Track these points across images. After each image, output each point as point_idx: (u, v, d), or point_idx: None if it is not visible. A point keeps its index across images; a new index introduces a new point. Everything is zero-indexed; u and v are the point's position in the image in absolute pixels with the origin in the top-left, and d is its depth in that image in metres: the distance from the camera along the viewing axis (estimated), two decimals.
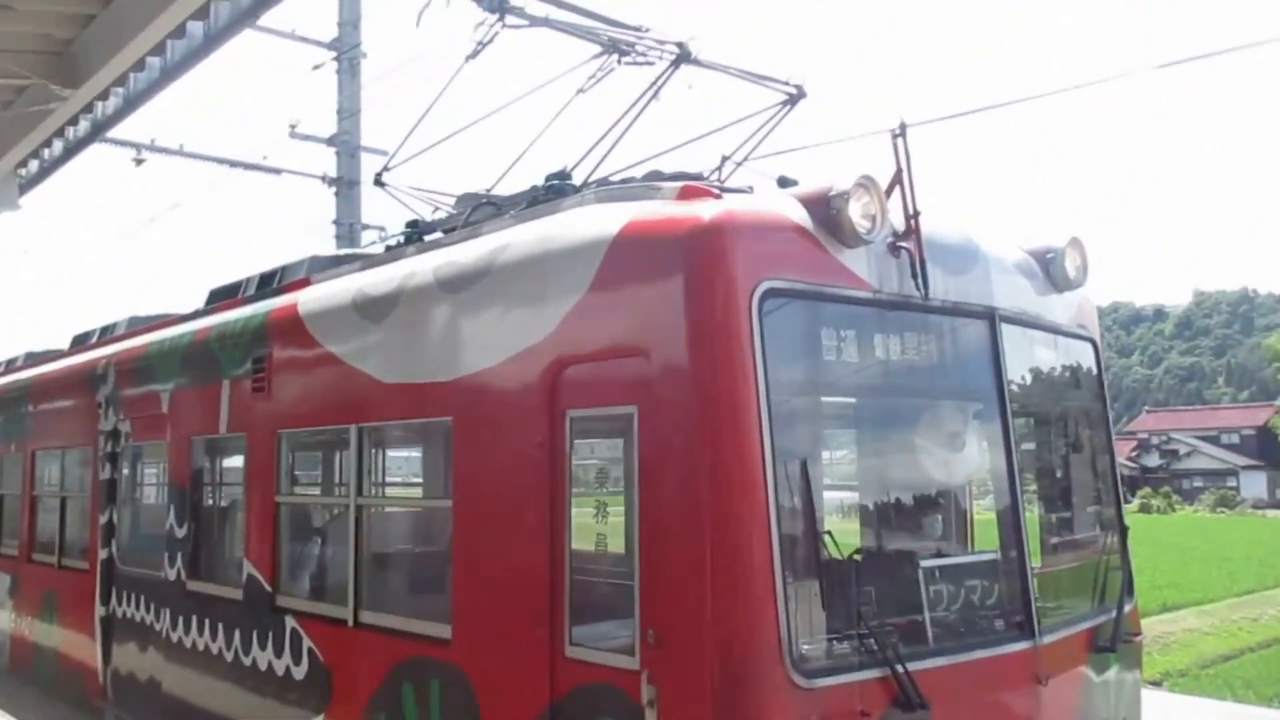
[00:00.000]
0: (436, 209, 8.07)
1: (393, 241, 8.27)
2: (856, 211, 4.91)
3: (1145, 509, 59.60)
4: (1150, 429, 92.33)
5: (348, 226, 19.31)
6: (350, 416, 6.92)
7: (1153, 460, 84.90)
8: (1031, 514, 5.79)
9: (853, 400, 5.55)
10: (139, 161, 19.85)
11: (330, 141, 19.37)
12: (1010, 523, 5.46)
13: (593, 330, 5.14)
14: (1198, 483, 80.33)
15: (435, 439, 7.75)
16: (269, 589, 7.57)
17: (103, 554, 10.41)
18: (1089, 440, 6.71)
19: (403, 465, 10.46)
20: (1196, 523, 51.85)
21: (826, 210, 4.91)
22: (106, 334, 11.89)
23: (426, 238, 7.53)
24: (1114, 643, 5.90)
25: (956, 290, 5.41)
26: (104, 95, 14.00)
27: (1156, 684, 13.97)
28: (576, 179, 6.62)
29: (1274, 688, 14.42)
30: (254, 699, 7.69)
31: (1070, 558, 6.28)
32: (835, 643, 4.71)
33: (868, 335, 5.10)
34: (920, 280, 5.16)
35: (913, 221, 5.16)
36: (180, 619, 8.79)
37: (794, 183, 5.89)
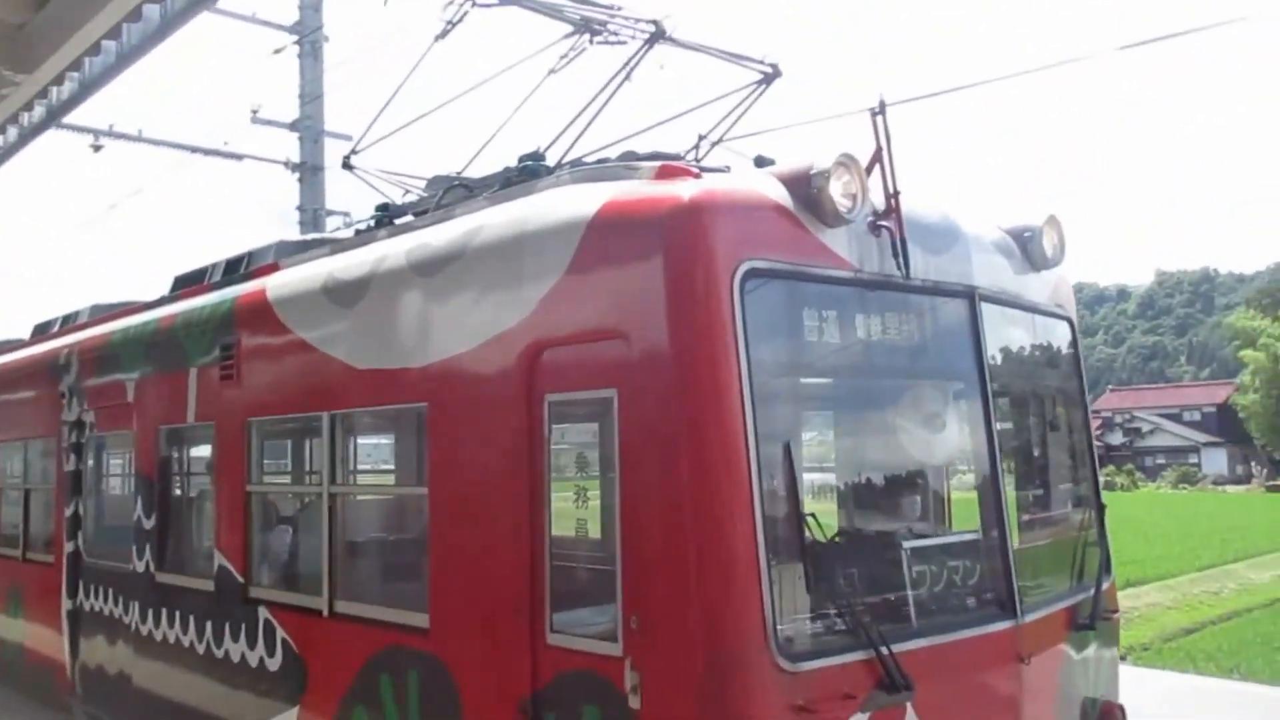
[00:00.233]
0: (407, 192, 7.95)
1: (361, 226, 8.14)
2: (837, 190, 4.85)
3: (1109, 486, 60.39)
4: (1114, 407, 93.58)
5: (311, 213, 19.08)
6: (322, 403, 6.81)
7: (1116, 438, 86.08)
8: (1010, 493, 5.78)
9: (834, 381, 5.51)
10: (97, 148, 19.54)
11: (293, 126, 19.10)
12: (991, 502, 5.45)
13: (571, 313, 5.06)
14: (1160, 460, 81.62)
15: (410, 426, 7.65)
16: (241, 580, 7.45)
17: (69, 547, 10.22)
18: (1066, 419, 6.73)
19: (376, 453, 10.34)
20: (1159, 499, 52.66)
21: (807, 189, 4.85)
22: (69, 323, 11.65)
23: (397, 221, 7.41)
24: (1093, 620, 5.92)
25: (937, 269, 5.38)
26: (59, 80, 13.71)
27: (1120, 658, 14.17)
28: (549, 161, 6.53)
29: (1234, 660, 14.69)
30: (227, 691, 7.57)
31: (1049, 536, 6.30)
32: (820, 626, 4.68)
33: (849, 315, 5.05)
34: (901, 259, 5.12)
35: (893, 200, 5.12)
36: (150, 611, 8.65)
37: (771, 162, 5.82)
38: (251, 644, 7.28)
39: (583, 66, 7.12)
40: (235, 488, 7.59)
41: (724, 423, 4.46)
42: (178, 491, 9.12)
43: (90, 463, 10.27)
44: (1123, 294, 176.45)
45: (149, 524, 8.80)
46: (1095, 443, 6.90)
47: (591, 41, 6.86)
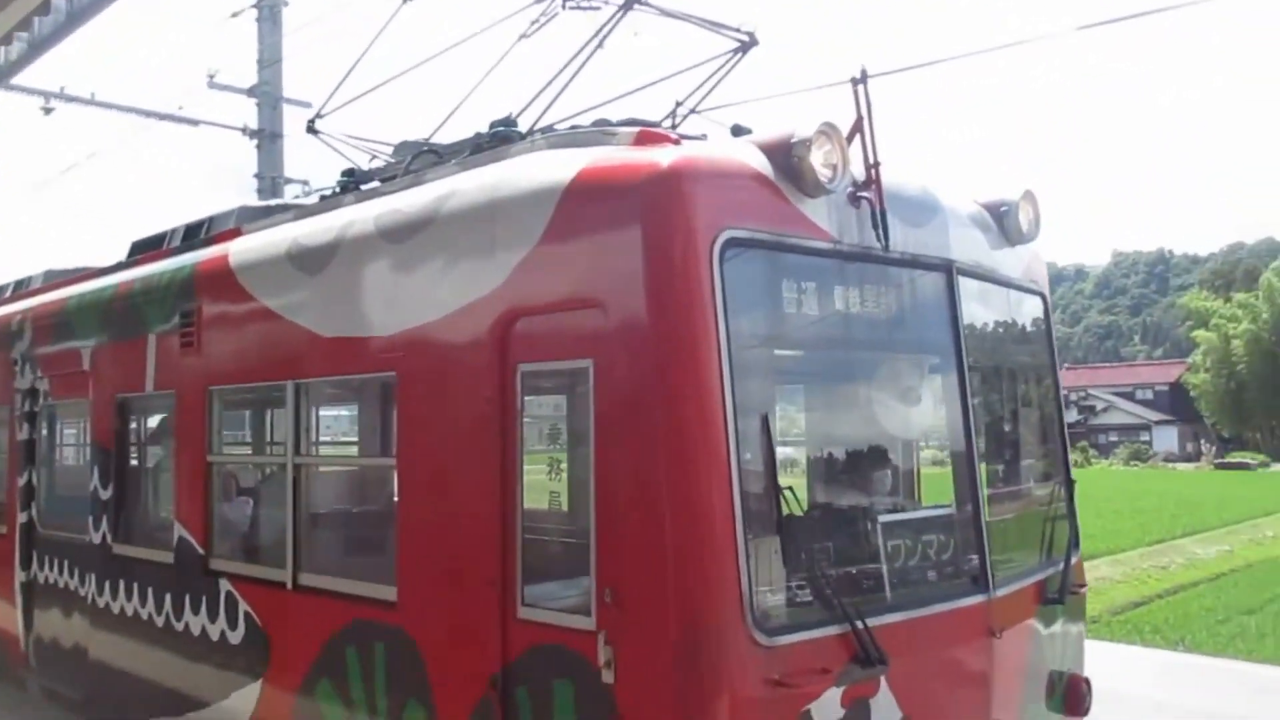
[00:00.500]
0: (373, 157, 7.77)
1: (327, 192, 7.95)
2: (818, 159, 4.78)
3: None
4: (1069, 385, 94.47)
5: (270, 180, 18.78)
6: (286, 372, 6.66)
7: (1071, 416, 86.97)
8: (982, 467, 5.77)
9: (812, 353, 5.46)
10: (48, 110, 19.13)
11: (251, 92, 18.75)
12: (965, 477, 5.45)
13: (545, 281, 4.95)
14: (1113, 437, 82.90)
15: (377, 395, 7.52)
16: (201, 552, 7.30)
17: (22, 517, 9.99)
18: (1038, 394, 6.74)
19: (342, 423, 10.18)
20: (1110, 476, 53.54)
21: (788, 158, 4.77)
22: (21, 288, 11.34)
23: (364, 187, 7.24)
24: (1062, 594, 5.95)
25: (915, 242, 5.33)
26: (7, 40, 13.31)
27: None
28: (521, 128, 6.39)
29: (1179, 632, 15.01)
30: (187, 665, 7.44)
31: (1020, 510, 6.32)
32: (796, 600, 4.64)
33: (828, 287, 4.99)
34: (881, 231, 5.06)
35: (874, 171, 5.05)
36: (106, 583, 8.47)
37: (748, 131, 5.74)
38: (213, 617, 7.14)
39: (554, 32, 6.98)
40: (196, 458, 7.42)
41: (702, 394, 4.39)
42: (136, 461, 8.94)
43: (44, 431, 10.03)
44: (1080, 274, 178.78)
45: (106, 494, 8.60)
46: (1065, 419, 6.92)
47: (564, 6, 6.72)
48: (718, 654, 4.29)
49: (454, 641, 5.30)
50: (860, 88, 5.10)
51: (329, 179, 7.91)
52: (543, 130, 6.10)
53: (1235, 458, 66.24)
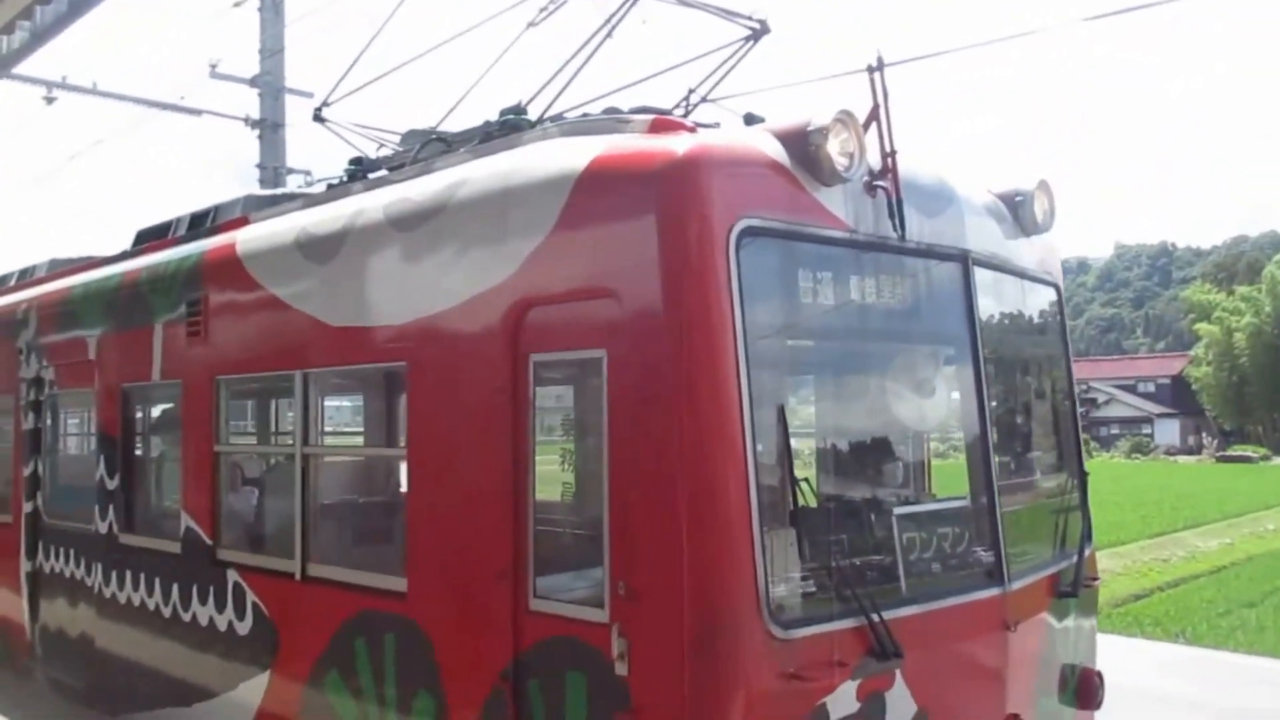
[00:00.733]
0: (381, 146, 7.71)
1: (334, 181, 7.90)
2: (835, 148, 4.72)
3: None
4: None
5: (272, 170, 18.72)
6: (295, 362, 6.61)
7: None
8: (997, 459, 5.73)
9: (827, 343, 5.41)
10: (50, 100, 19.08)
11: (253, 82, 18.68)
12: (981, 469, 5.40)
13: (558, 270, 4.90)
14: (1114, 430, 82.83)
15: (387, 385, 7.48)
16: (209, 542, 7.27)
17: (27, 507, 9.96)
18: (1051, 386, 6.69)
19: (344, 414, 10.15)
20: (1112, 468, 53.50)
21: (804, 146, 4.71)
22: (25, 277, 11.30)
23: (371, 176, 7.19)
24: (1075, 587, 5.91)
25: (931, 232, 5.28)
26: (9, 29, 13.25)
27: None
28: (530, 116, 6.33)
29: (1179, 624, 15.02)
30: (194, 656, 7.41)
31: (1033, 503, 6.27)
32: (812, 593, 4.60)
33: (844, 277, 4.94)
34: (897, 220, 5.01)
35: (890, 160, 5.00)
36: (113, 574, 8.45)
37: (761, 120, 5.68)
38: (220, 607, 7.11)
39: (562, 20, 6.92)
40: (203, 448, 7.38)
41: (718, 385, 4.34)
42: (142, 451, 8.91)
43: (50, 421, 10.00)
44: (1083, 266, 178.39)
45: (112, 484, 8.57)
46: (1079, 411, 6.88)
47: None
48: (733, 647, 4.26)
49: (465, 633, 5.26)
50: (877, 75, 5.04)
51: (330, 170, 7.88)
52: (553, 118, 6.05)
53: (1237, 451, 66.22)
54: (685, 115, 6.27)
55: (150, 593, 7.93)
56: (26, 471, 10.04)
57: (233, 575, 7.03)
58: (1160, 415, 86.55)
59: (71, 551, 9.16)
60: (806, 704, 4.39)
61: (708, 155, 4.54)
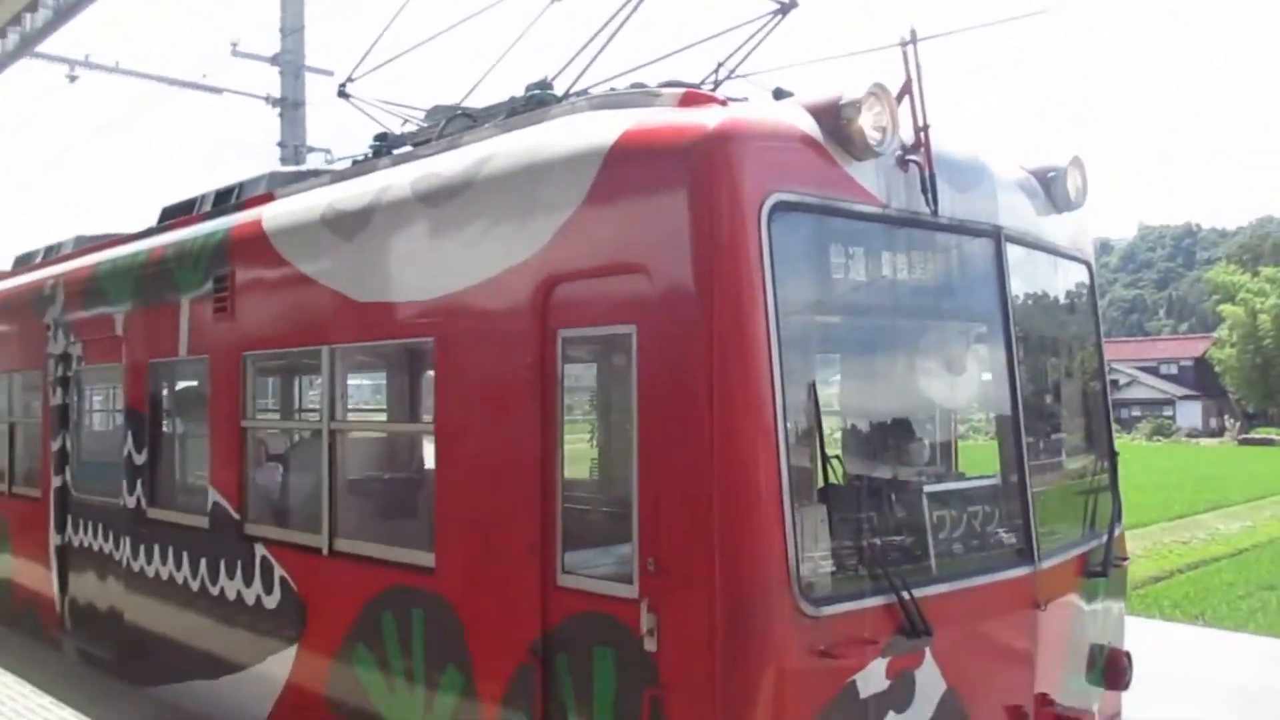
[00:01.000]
0: (405, 122, 7.70)
1: (359, 157, 7.89)
2: (868, 122, 4.66)
3: None
4: None
5: (292, 149, 18.77)
6: (321, 337, 6.62)
7: None
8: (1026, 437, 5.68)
9: (858, 320, 5.37)
10: (72, 78, 19.21)
11: (274, 60, 18.72)
12: (1011, 447, 5.35)
13: (588, 246, 4.88)
14: (1136, 412, 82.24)
15: (415, 361, 7.49)
16: (236, 517, 7.31)
17: (56, 481, 10.05)
18: (1082, 364, 6.63)
19: (364, 392, 10.17)
20: (1133, 450, 53.07)
21: (837, 120, 4.66)
22: (51, 254, 11.36)
23: (396, 151, 7.18)
24: (1105, 567, 5.87)
25: (963, 208, 5.22)
26: (33, 6, 13.26)
27: None
28: (556, 91, 6.29)
29: (1198, 607, 14.90)
30: (222, 629, 7.48)
31: (1063, 482, 6.23)
32: (842, 570, 4.58)
33: (875, 252, 4.89)
34: (930, 196, 4.95)
35: (922, 134, 4.94)
36: (141, 547, 8.52)
37: (790, 95, 5.62)
38: (248, 581, 7.16)
39: None
40: (230, 423, 7.42)
41: (749, 360, 4.31)
42: (169, 426, 8.96)
43: (77, 396, 10.07)
44: (1105, 247, 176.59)
45: (140, 459, 8.64)
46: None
47: None
48: (764, 624, 4.25)
49: (493, 608, 5.27)
50: (909, 49, 4.98)
51: (349, 149, 7.87)
52: (579, 93, 6.01)
53: (1260, 434, 65.67)
54: (715, 89, 6.22)
55: (178, 566, 7.99)
56: (55, 446, 10.12)
57: (260, 550, 7.07)
58: (1182, 397, 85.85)
59: (100, 526, 9.24)
60: (836, 682, 4.38)
61: (739, 129, 4.50)
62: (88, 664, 9.44)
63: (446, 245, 5.73)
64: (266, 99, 19.09)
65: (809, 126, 4.68)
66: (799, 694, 4.31)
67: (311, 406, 9.26)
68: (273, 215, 7.30)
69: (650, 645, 4.45)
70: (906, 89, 4.95)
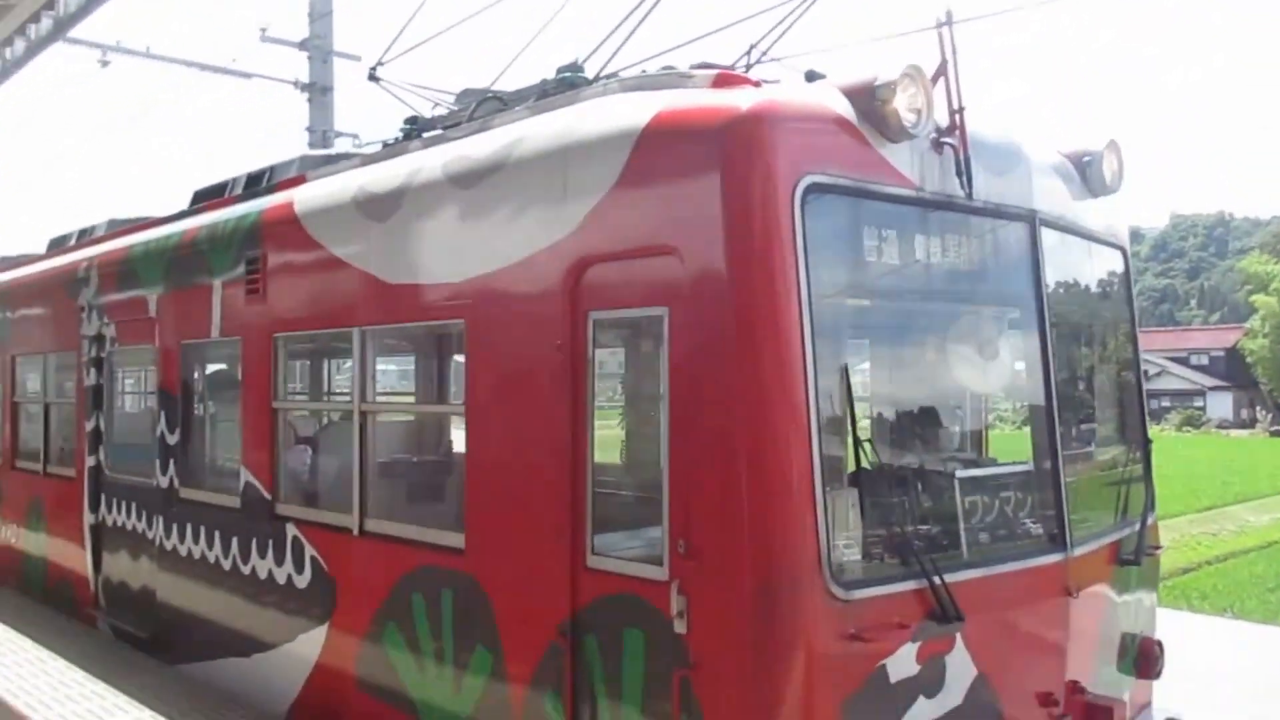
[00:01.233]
0: (435, 105, 7.72)
1: (388, 141, 7.91)
2: (903, 103, 4.62)
3: None
4: None
5: (321, 134, 18.88)
6: (352, 319, 6.66)
7: None
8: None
9: (892, 303, 5.34)
10: (104, 63, 19.37)
11: (302, 46, 18.81)
12: (1044, 434, 5.31)
13: (619, 228, 4.87)
14: (1166, 403, 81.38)
15: (444, 343, 7.51)
16: (268, 497, 7.38)
17: (90, 461, 10.18)
18: (1116, 351, 6.57)
19: (398, 376, 10.21)
20: (1162, 441, 52.45)
21: (871, 102, 4.62)
22: (85, 236, 11.48)
23: (426, 135, 7.19)
24: (1138, 555, 5.83)
25: (998, 191, 5.17)
26: None
27: None
28: (587, 74, 6.28)
29: (1227, 599, 14.80)
30: (254, 608, 7.56)
31: (1096, 469, 6.18)
32: (873, 554, 4.57)
33: (909, 235, 4.86)
34: (965, 178, 4.91)
35: (958, 116, 4.89)
36: (174, 527, 8.61)
37: (822, 78, 5.58)
38: (279, 561, 7.23)
39: None
40: (262, 404, 7.48)
41: (782, 343, 4.29)
42: (201, 407, 9.05)
43: (111, 377, 10.18)
44: (1137, 236, 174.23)
45: (172, 439, 8.73)
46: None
47: None
48: (795, 607, 4.24)
49: (522, 589, 5.30)
50: (945, 30, 4.93)
51: (377, 133, 7.89)
52: (608, 76, 5.99)
53: None
54: (747, 71, 6.19)
55: (210, 546, 8.08)
56: (89, 427, 10.24)
57: (291, 530, 7.14)
58: (1213, 388, 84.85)
59: (133, 505, 9.35)
60: (867, 665, 4.37)
61: (773, 110, 4.47)
62: (121, 641, 9.57)
63: (478, 227, 5.74)
64: (295, 84, 19.20)
65: (843, 108, 4.65)
66: (829, 677, 4.31)
67: (341, 390, 9.32)
68: (304, 198, 7.33)
69: (680, 627, 4.46)
70: (942, 70, 4.91)
